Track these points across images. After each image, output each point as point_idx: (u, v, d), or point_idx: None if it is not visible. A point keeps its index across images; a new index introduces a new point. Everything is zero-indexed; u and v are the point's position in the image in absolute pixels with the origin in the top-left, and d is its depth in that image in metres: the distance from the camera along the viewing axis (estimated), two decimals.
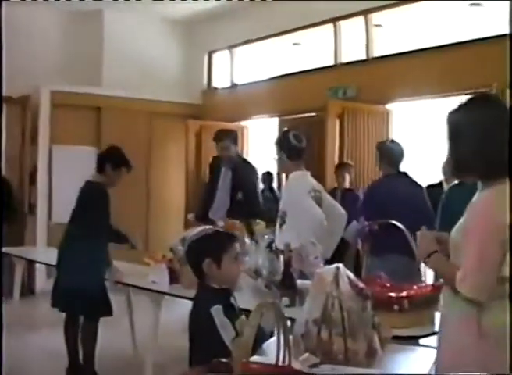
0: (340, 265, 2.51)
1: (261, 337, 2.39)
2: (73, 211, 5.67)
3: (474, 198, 2.59)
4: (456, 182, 5.90)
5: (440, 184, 7.09)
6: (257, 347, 2.32)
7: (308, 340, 2.41)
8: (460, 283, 2.40)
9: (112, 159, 5.60)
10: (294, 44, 10.42)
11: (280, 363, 1.82)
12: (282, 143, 5.26)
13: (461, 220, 2.58)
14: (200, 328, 2.77)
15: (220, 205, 6.81)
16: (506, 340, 2.45)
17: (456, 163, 2.63)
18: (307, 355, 2.27)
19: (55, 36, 10.63)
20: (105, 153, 5.75)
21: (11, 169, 10.08)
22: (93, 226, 5.37)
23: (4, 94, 9.67)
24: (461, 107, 2.65)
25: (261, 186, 9.88)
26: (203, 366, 1.72)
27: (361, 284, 2.54)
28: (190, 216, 7.18)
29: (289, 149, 5.19)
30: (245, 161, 7.09)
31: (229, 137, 6.78)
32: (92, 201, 5.50)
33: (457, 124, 2.61)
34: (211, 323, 2.68)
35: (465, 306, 2.45)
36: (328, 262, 4.36)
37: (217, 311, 2.71)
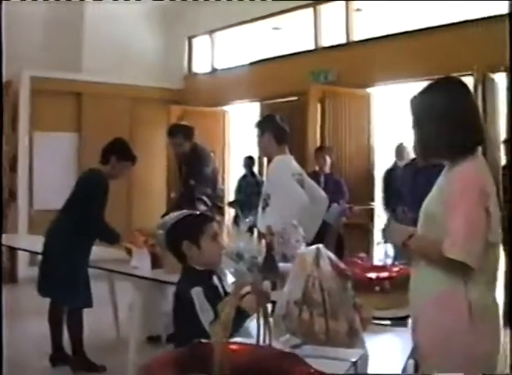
0: (321, 245, 2.52)
1: (241, 318, 2.40)
2: (69, 198, 5.57)
3: (444, 174, 2.66)
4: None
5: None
6: (237, 328, 2.33)
7: (289, 321, 2.42)
8: (450, 249, 2.43)
9: (117, 151, 5.51)
10: (274, 28, 10.40)
11: (261, 344, 1.82)
12: (268, 125, 5.25)
13: (435, 194, 2.64)
14: (181, 310, 2.78)
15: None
16: (496, 320, 2.49)
17: (421, 148, 2.69)
18: (288, 335, 2.28)
19: (36, 21, 10.52)
20: (111, 144, 5.61)
21: None
22: (86, 216, 5.29)
23: None
24: (422, 92, 2.70)
25: (243, 170, 9.94)
26: (183, 346, 1.72)
27: (342, 265, 2.55)
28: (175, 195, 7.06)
29: (277, 131, 5.19)
30: (195, 151, 6.76)
31: (181, 133, 6.66)
32: (91, 190, 5.39)
33: (419, 110, 2.68)
34: (191, 306, 2.69)
35: (453, 282, 2.48)
36: (310, 244, 4.37)
37: (197, 293, 2.71)
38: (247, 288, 1.77)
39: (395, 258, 3.74)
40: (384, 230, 2.85)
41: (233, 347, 1.61)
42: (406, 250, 2.66)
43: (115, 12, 10.90)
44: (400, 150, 8.37)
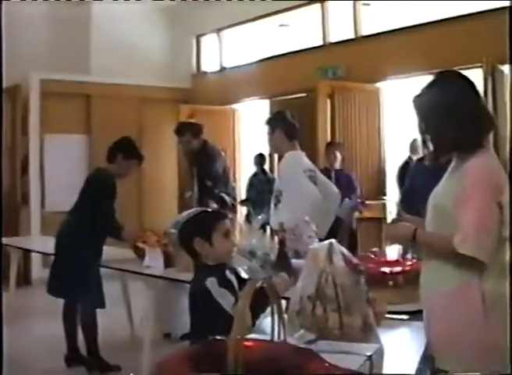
0: (333, 240, 2.51)
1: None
2: (78, 198, 5.59)
3: (455, 167, 2.63)
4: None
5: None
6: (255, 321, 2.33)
7: (303, 316, 2.41)
8: (461, 244, 2.41)
9: (124, 149, 5.52)
10: (281, 25, 10.38)
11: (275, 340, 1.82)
12: (279, 121, 5.25)
13: (445, 187, 2.62)
14: (198, 303, 2.78)
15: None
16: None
17: (432, 146, 2.66)
18: (302, 331, 2.28)
19: (43, 24, 10.55)
20: (118, 143, 5.61)
21: (4, 159, 10.08)
22: (95, 215, 5.31)
23: None
24: (424, 90, 2.69)
25: (254, 168, 9.93)
26: (199, 344, 1.72)
27: (355, 260, 2.54)
28: (188, 194, 7.01)
29: (287, 127, 5.18)
30: (204, 151, 6.80)
31: (189, 131, 6.68)
32: (99, 188, 5.41)
33: (423, 108, 2.66)
34: (209, 296, 2.69)
35: (465, 275, 2.46)
36: (323, 240, 4.36)
37: (212, 283, 2.71)
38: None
39: (405, 252, 3.72)
40: (385, 234, 2.83)
41: (248, 343, 1.60)
42: (414, 246, 2.64)
43: (122, 12, 10.91)
44: (414, 145, 8.36)
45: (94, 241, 5.42)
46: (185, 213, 3.12)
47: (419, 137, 8.12)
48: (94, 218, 5.32)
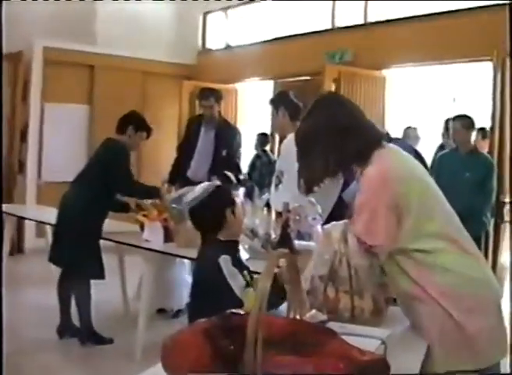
0: (347, 221, 2.46)
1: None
2: (86, 168, 5.63)
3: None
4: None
5: None
6: (275, 302, 2.28)
7: (314, 296, 2.37)
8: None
9: (134, 121, 5.64)
10: (291, 6, 10.28)
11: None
12: (282, 101, 5.20)
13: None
14: (208, 280, 2.74)
15: (201, 165, 6.71)
16: None
17: (314, 173, 2.59)
18: (314, 311, 2.24)
19: None
20: (128, 115, 5.73)
21: (3, 126, 9.98)
22: (107, 185, 5.37)
23: None
24: (302, 122, 2.69)
25: (254, 149, 9.86)
26: (213, 316, 1.66)
27: None
28: (163, 179, 6.87)
29: (291, 107, 5.13)
30: (226, 121, 7.06)
31: (213, 96, 6.69)
32: (115, 157, 5.46)
33: (304, 140, 2.61)
34: (220, 274, 2.65)
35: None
36: (324, 223, 4.31)
37: (225, 261, 2.69)
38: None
39: None
40: None
41: (268, 318, 1.55)
42: None
43: None
44: (407, 132, 8.29)
45: (99, 212, 5.46)
46: (196, 188, 3.05)
47: (413, 125, 8.09)
48: (103, 189, 5.36)
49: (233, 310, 1.66)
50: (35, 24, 9.88)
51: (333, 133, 2.51)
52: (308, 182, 2.60)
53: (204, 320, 1.66)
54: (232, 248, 2.87)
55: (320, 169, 2.54)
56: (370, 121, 2.67)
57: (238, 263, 2.79)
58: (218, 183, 3.26)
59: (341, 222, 2.49)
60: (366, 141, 2.52)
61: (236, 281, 2.63)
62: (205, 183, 3.10)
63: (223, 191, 3.10)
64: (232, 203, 2.99)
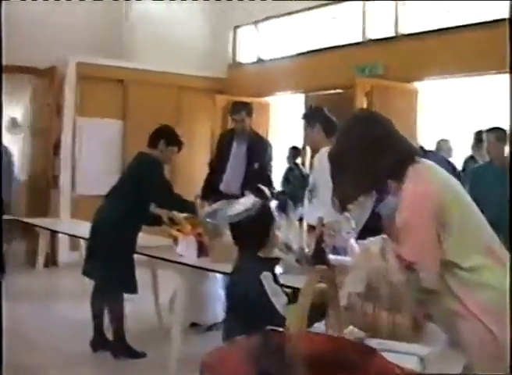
0: (385, 236, 2.45)
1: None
2: (119, 183, 5.66)
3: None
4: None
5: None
6: (313, 318, 2.27)
7: (351, 313, 2.35)
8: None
9: (166, 136, 5.64)
10: (321, 19, 10.29)
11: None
12: (318, 116, 5.20)
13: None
14: (249, 296, 2.73)
15: (233, 178, 6.70)
16: None
17: (355, 188, 2.60)
18: (351, 327, 2.22)
19: (82, 7, 10.53)
20: (160, 130, 5.74)
21: (38, 140, 10.12)
22: (140, 200, 5.41)
23: (30, 65, 9.69)
24: (336, 141, 2.73)
25: (287, 162, 9.85)
26: (253, 334, 1.66)
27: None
28: (196, 194, 6.85)
29: (326, 123, 5.14)
30: (258, 134, 7.03)
31: (244, 110, 6.71)
32: (149, 171, 5.48)
33: (338, 159, 2.64)
34: (261, 291, 2.64)
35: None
36: (358, 237, 4.29)
37: (267, 277, 2.68)
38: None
39: None
40: None
41: (308, 336, 1.54)
42: None
43: (162, 2, 10.87)
44: (440, 145, 8.26)
45: (131, 226, 5.46)
46: (240, 202, 3.02)
47: (445, 137, 8.00)
48: (137, 204, 5.39)
49: (272, 327, 1.65)
50: (69, 40, 10.00)
51: (367, 152, 2.53)
52: (343, 200, 2.61)
53: (244, 337, 1.65)
54: (272, 265, 2.86)
55: (354, 188, 2.56)
56: (403, 137, 2.67)
57: (277, 279, 2.78)
58: (260, 200, 3.22)
59: (378, 237, 2.47)
60: (400, 158, 2.54)
61: (278, 298, 2.63)
62: (247, 199, 3.09)
63: (268, 209, 3.11)
64: (275, 221, 3.02)
